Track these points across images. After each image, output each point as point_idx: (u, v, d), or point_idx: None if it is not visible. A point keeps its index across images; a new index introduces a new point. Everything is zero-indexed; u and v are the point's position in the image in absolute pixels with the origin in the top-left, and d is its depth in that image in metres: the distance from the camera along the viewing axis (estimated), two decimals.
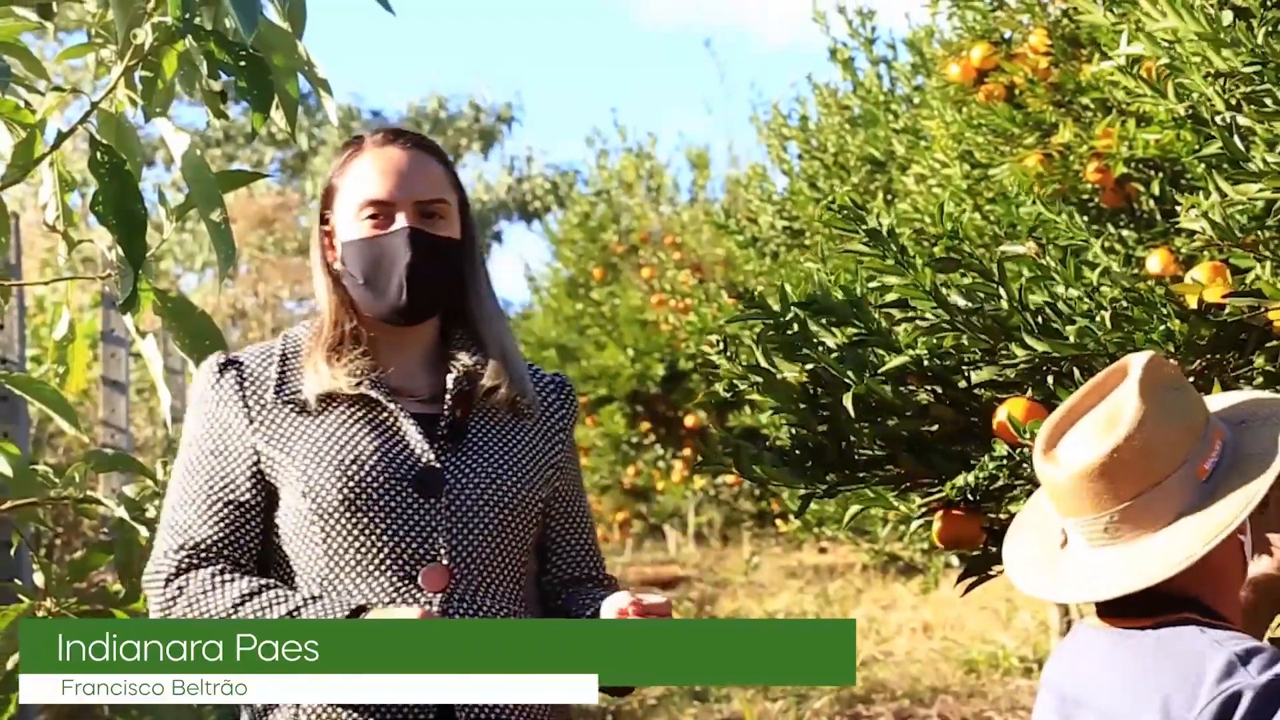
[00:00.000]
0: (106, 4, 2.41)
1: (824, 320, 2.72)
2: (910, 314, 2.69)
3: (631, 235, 13.53)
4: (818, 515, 6.68)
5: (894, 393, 2.68)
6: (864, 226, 2.62)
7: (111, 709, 6.33)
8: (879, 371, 2.66)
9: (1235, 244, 2.57)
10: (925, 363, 2.70)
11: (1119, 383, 2.11)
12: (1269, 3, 2.60)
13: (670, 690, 8.47)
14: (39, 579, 2.98)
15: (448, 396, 2.40)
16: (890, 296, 2.68)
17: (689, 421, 11.56)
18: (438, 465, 2.35)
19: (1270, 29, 2.47)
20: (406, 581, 2.31)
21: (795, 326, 2.71)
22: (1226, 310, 2.55)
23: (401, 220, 2.38)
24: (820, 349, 2.71)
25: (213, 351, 2.65)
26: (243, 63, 2.38)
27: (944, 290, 2.66)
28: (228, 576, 2.30)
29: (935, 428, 2.72)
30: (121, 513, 2.97)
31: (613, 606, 2.30)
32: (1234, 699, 1.95)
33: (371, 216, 2.38)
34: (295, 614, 2.25)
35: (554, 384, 2.54)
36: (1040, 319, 2.63)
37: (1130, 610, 2.10)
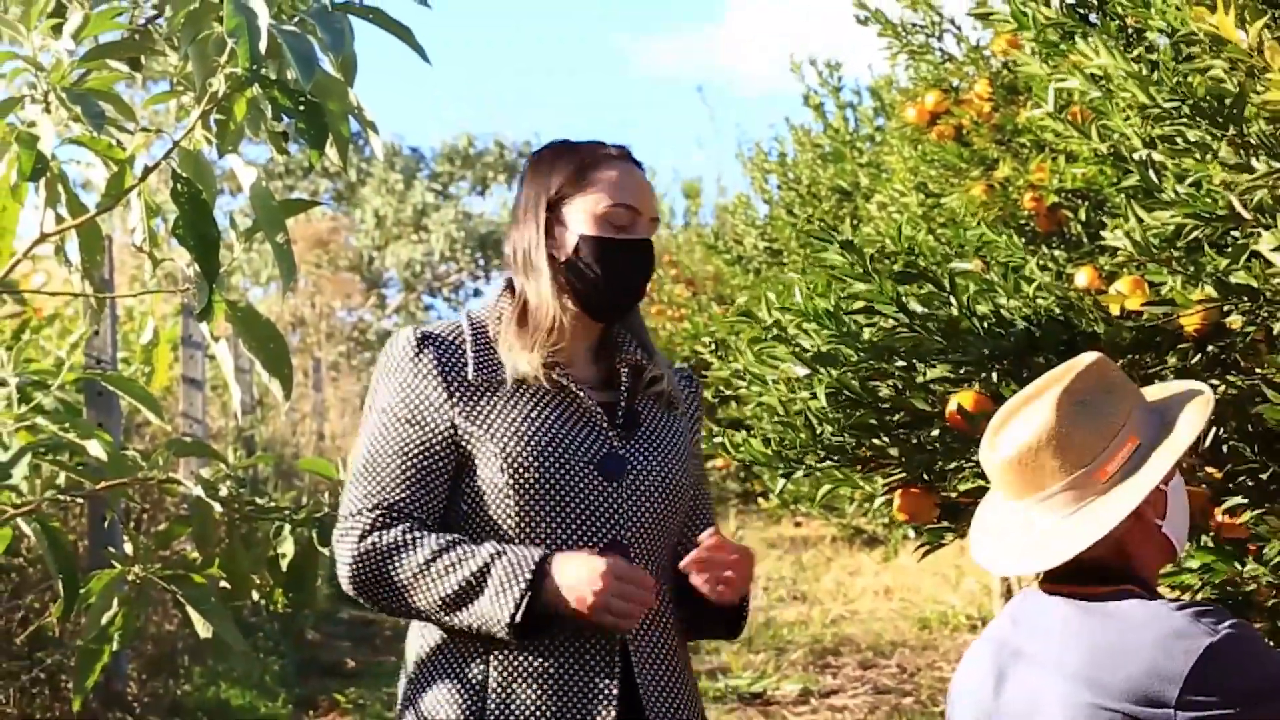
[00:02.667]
0: (186, 58, 2.40)
1: (804, 326, 2.72)
2: (874, 319, 2.69)
3: None
4: (794, 494, 6.67)
5: (862, 386, 2.68)
6: (839, 239, 2.62)
7: (190, 656, 6.32)
8: (845, 367, 2.66)
9: (1151, 259, 2.57)
10: (887, 359, 2.69)
11: (1050, 387, 2.09)
12: (1179, 57, 2.60)
13: None
14: (129, 548, 2.98)
15: (623, 387, 2.27)
16: (858, 305, 2.67)
17: None
18: (621, 452, 2.23)
19: (1181, 79, 2.47)
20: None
21: (779, 330, 2.71)
22: (1144, 316, 2.55)
23: (642, 230, 2.26)
24: (800, 349, 2.71)
25: (277, 353, 2.64)
26: (302, 107, 2.38)
27: (904, 299, 2.66)
28: (418, 534, 2.16)
29: (898, 416, 2.72)
30: (198, 492, 2.97)
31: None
32: (1209, 652, 1.93)
33: (620, 223, 2.24)
34: (486, 568, 2.12)
35: (684, 376, 2.41)
36: (986, 324, 2.63)
37: (1081, 579, 2.09)
